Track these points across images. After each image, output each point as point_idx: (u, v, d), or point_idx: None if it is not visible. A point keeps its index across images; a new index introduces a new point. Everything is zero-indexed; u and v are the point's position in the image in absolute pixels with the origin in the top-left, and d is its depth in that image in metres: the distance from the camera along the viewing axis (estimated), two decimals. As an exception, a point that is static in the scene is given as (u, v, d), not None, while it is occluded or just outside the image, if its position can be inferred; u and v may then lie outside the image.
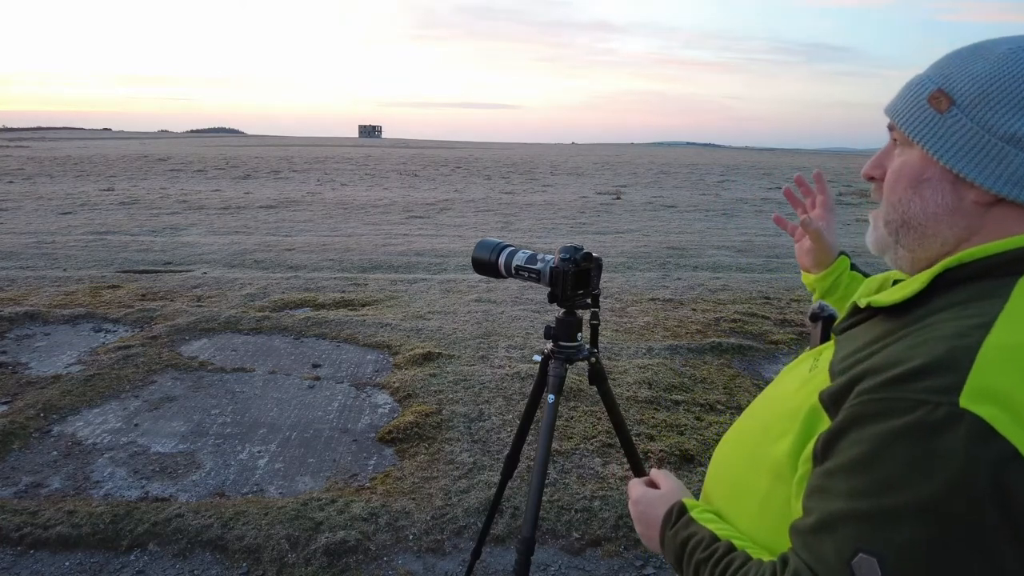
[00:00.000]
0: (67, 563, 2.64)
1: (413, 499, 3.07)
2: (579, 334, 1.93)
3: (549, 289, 1.83)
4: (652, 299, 6.91)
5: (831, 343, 0.90)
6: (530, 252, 1.91)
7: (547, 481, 3.10)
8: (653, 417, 3.97)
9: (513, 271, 1.92)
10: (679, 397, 4.27)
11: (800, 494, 0.78)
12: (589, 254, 1.83)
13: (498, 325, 5.81)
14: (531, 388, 2.09)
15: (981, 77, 0.76)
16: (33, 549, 2.71)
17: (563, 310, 1.90)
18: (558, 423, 3.46)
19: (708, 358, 5.02)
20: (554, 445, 3.53)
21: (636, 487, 1.05)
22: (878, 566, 0.66)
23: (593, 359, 1.97)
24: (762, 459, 0.87)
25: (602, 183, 26.17)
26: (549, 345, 1.95)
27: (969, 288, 0.75)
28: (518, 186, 23.75)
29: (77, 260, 8.52)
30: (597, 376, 2.02)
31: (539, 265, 1.86)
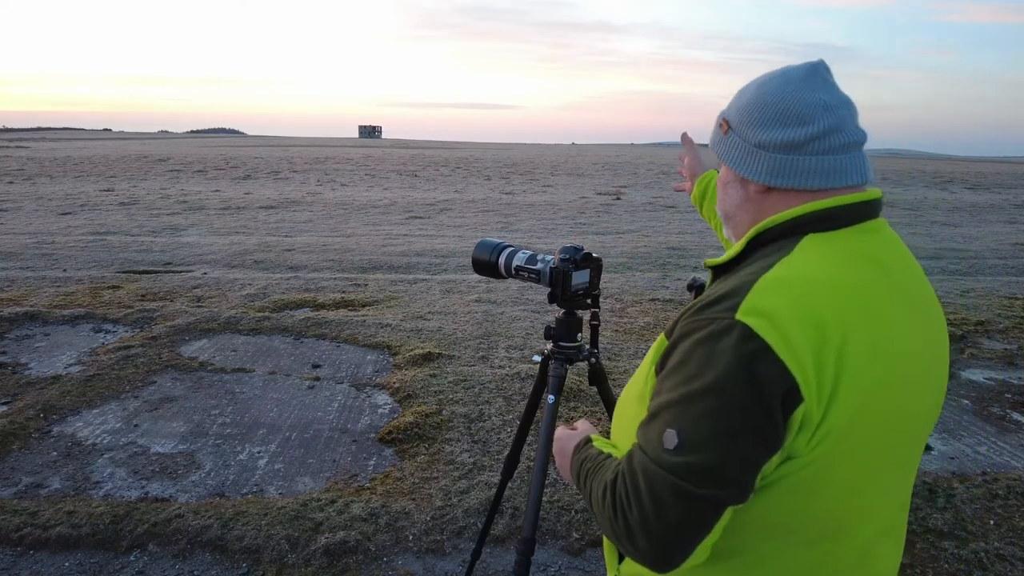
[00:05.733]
0: (67, 563, 2.64)
1: (413, 499, 3.07)
2: (579, 334, 1.93)
3: (549, 289, 1.83)
4: (652, 299, 6.91)
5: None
6: (530, 252, 1.91)
7: (547, 481, 3.10)
8: (653, 417, 3.97)
9: (513, 271, 1.92)
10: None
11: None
12: (589, 254, 1.83)
13: (498, 325, 5.81)
14: (531, 389, 2.09)
15: (741, 107, 1.07)
16: (33, 549, 2.71)
17: (563, 310, 1.90)
18: (558, 423, 3.45)
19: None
20: (554, 445, 3.53)
21: (560, 429, 1.30)
22: (676, 435, 0.91)
23: (593, 360, 1.97)
24: (633, 391, 1.14)
25: (602, 183, 26.17)
26: (549, 345, 1.95)
27: (770, 246, 1.02)
28: (518, 186, 23.75)
29: (77, 260, 8.52)
30: (597, 377, 2.02)
31: (539, 265, 1.86)
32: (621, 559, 1.17)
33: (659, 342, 1.06)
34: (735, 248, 1.06)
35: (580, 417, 3.93)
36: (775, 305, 0.90)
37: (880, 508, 1.03)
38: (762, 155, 1.03)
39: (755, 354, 0.88)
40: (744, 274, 0.98)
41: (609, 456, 1.10)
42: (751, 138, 1.05)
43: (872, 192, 1.03)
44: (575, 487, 1.18)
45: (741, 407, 0.88)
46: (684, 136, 1.84)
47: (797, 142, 1.00)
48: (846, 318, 0.91)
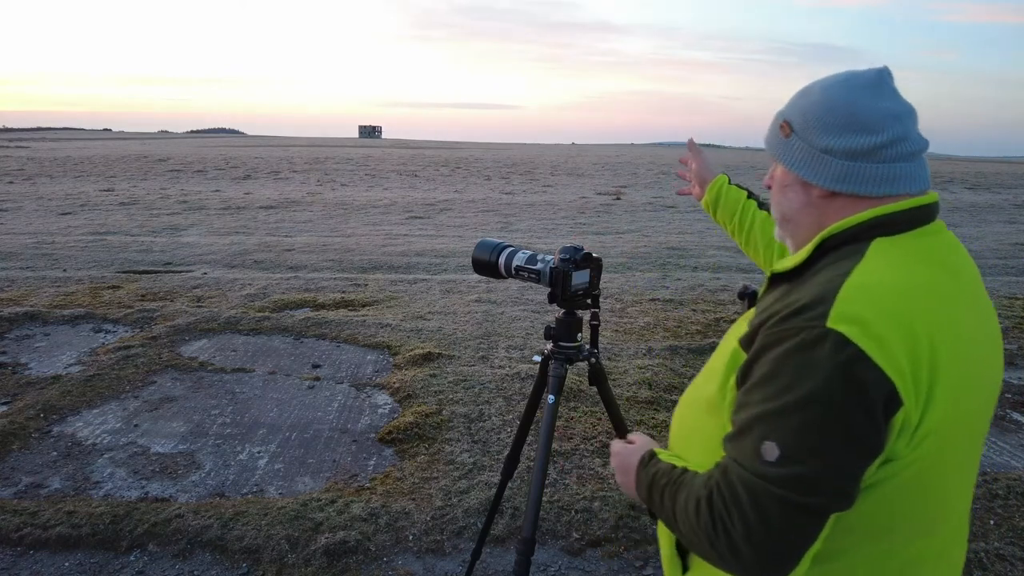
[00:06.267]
0: (67, 563, 2.64)
1: (413, 499, 3.07)
2: (579, 334, 1.93)
3: (549, 289, 1.83)
4: (652, 299, 6.91)
5: (753, 309, 1.14)
6: (530, 252, 1.92)
7: (547, 481, 3.10)
8: (653, 418, 3.97)
9: (513, 271, 1.92)
10: (679, 398, 4.27)
11: (731, 417, 1.02)
12: (589, 254, 1.83)
13: (498, 325, 5.81)
14: (531, 389, 2.09)
15: (805, 110, 1.06)
16: (33, 549, 2.71)
17: (563, 310, 1.90)
18: (558, 423, 3.46)
19: (708, 359, 5.02)
20: (554, 446, 3.53)
21: (617, 443, 1.29)
22: (776, 447, 0.90)
23: (593, 359, 1.97)
24: (701, 401, 1.13)
25: (602, 183, 26.17)
26: (549, 345, 1.95)
27: (838, 252, 1.02)
28: (518, 186, 23.75)
29: (77, 260, 8.52)
30: (597, 377, 2.02)
31: (539, 265, 1.86)
32: (685, 569, 1.16)
33: (733, 353, 1.05)
34: (801, 254, 1.06)
35: (580, 417, 3.93)
36: (866, 311, 0.90)
37: (957, 504, 1.06)
38: (829, 161, 1.03)
39: (852, 362, 0.88)
40: (821, 281, 0.98)
41: (685, 470, 1.08)
42: (817, 143, 1.04)
43: (931, 195, 1.04)
44: (643, 502, 1.17)
45: (842, 416, 0.88)
46: (690, 142, 1.89)
47: (866, 150, 1.01)
48: (930, 320, 0.93)
